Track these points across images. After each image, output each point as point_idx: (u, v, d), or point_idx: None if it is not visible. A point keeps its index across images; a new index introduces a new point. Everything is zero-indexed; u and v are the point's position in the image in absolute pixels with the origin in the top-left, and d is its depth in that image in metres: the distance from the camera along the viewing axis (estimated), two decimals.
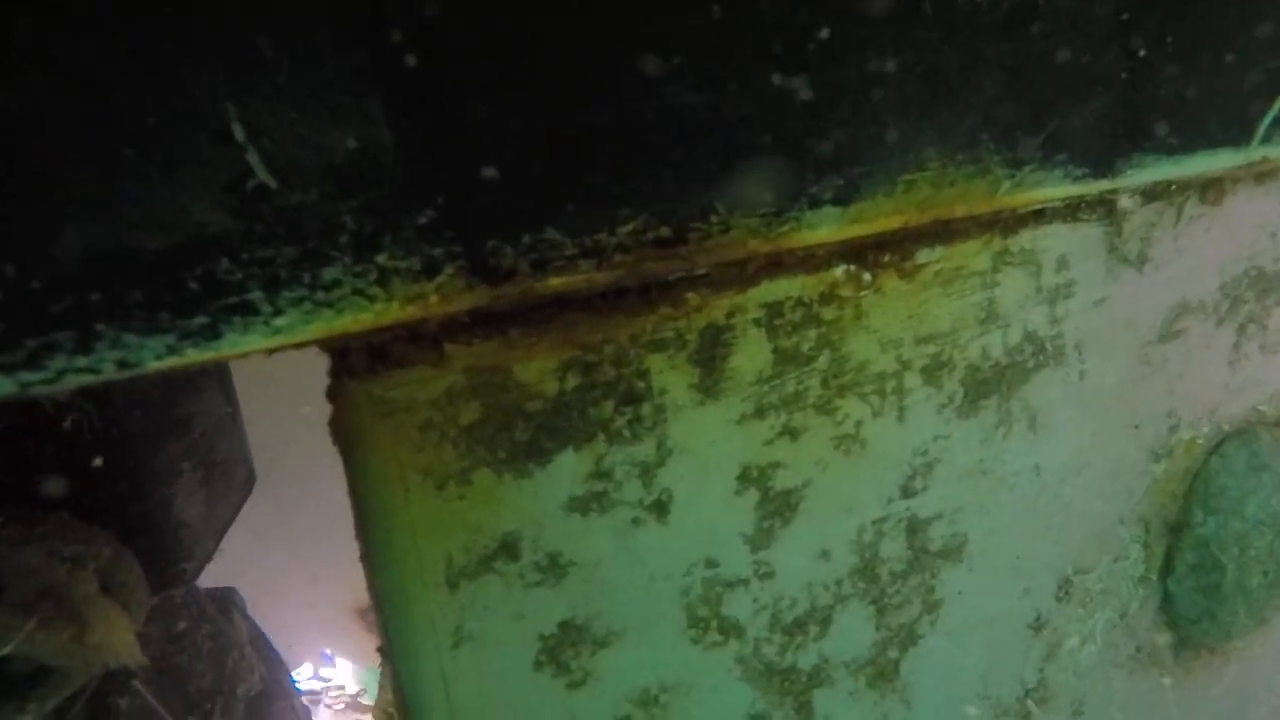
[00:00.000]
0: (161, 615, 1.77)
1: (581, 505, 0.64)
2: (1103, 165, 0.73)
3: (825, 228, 0.63)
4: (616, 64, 0.54)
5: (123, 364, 0.49)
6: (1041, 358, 0.81)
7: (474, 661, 0.63)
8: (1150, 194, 0.83)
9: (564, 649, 0.65)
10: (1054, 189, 0.72)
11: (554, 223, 0.55)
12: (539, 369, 0.61)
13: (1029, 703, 0.89)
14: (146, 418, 1.39)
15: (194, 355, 0.50)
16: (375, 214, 0.51)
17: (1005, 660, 0.86)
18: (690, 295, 0.64)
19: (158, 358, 0.50)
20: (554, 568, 0.64)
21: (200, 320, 0.50)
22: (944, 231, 0.73)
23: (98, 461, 1.29)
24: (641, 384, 0.64)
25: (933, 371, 0.75)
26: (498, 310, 0.59)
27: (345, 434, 0.58)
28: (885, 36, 0.61)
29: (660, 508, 0.66)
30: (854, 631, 0.76)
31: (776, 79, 0.58)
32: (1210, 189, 0.87)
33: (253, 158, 0.48)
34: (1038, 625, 0.87)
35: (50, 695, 0.93)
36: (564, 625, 0.65)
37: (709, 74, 0.56)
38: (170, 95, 0.46)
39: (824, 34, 0.59)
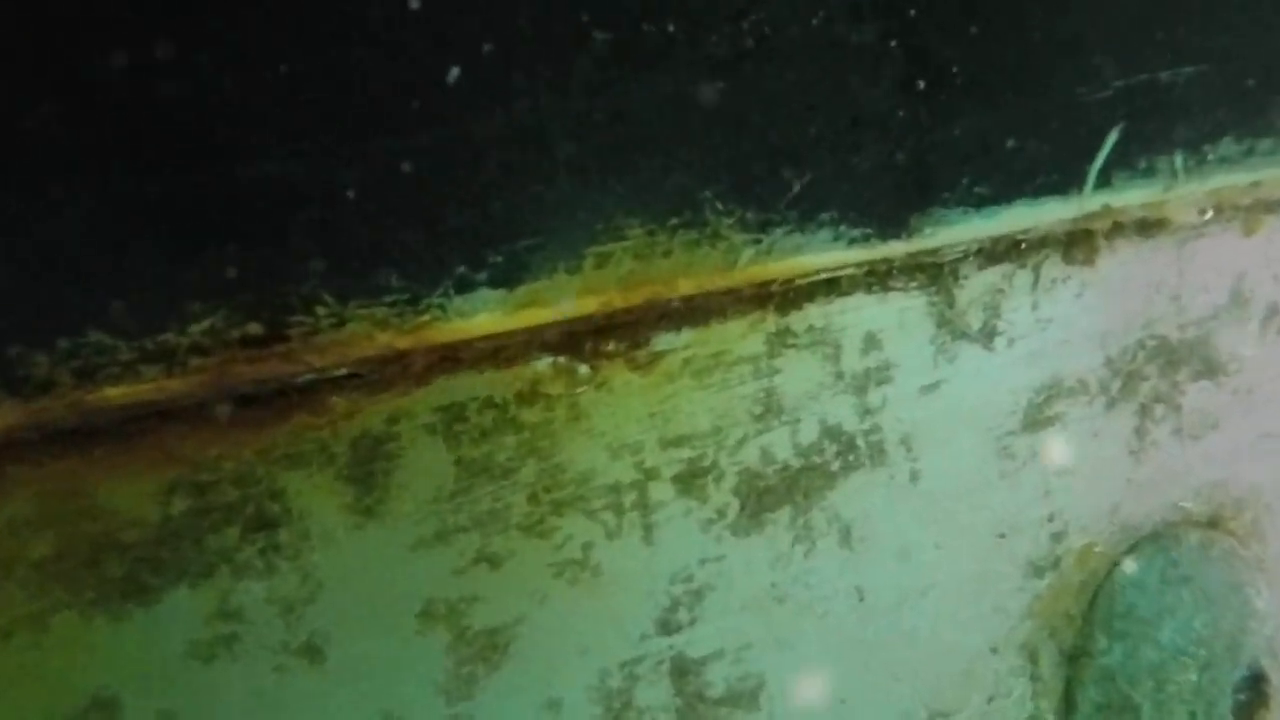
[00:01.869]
0: None
1: (205, 651, 0.53)
2: (890, 224, 0.61)
3: (485, 315, 0.52)
4: (166, 125, 0.45)
5: None
6: (852, 458, 0.67)
7: None
8: (989, 255, 0.69)
9: None
10: (821, 255, 0.59)
11: (98, 323, 0.46)
12: (133, 492, 0.51)
13: None
14: None
15: None
16: None
17: None
18: (335, 399, 0.54)
19: None
20: None
21: None
22: (690, 311, 0.61)
23: None
24: (275, 506, 0.53)
25: (690, 480, 0.62)
26: (74, 425, 0.50)
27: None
28: (538, 76, 0.50)
29: (313, 652, 0.55)
30: None
31: (384, 138, 0.48)
32: (1076, 246, 0.72)
33: None
34: None
35: None
36: None
37: (292, 136, 0.47)
38: None
39: (451, 76, 0.49)
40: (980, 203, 0.61)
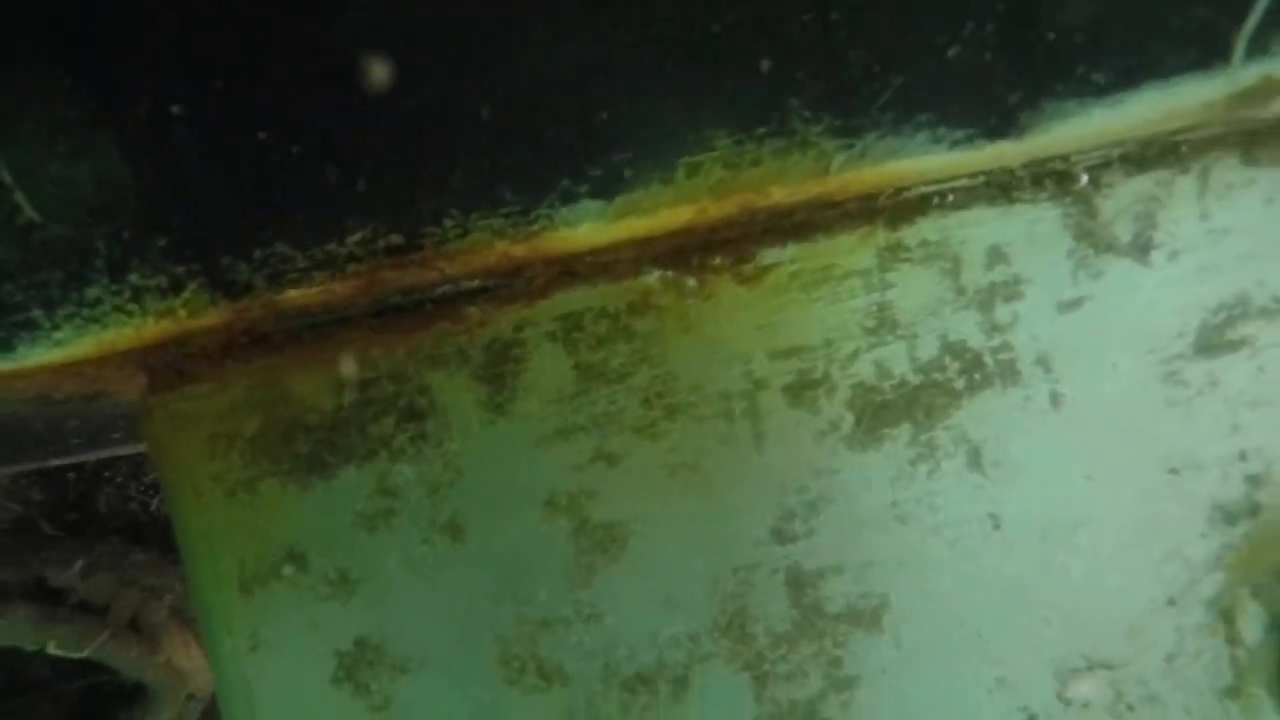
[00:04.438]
0: None
1: (368, 522, 0.64)
2: (996, 122, 0.59)
3: (588, 225, 0.59)
4: (333, 76, 0.57)
5: None
6: (978, 376, 0.65)
7: (272, 668, 0.64)
8: (1138, 160, 0.64)
9: (361, 669, 0.64)
10: (921, 159, 0.59)
11: (282, 236, 0.58)
12: (315, 384, 0.63)
13: None
14: None
15: None
16: (123, 239, 0.58)
17: None
18: (470, 310, 0.63)
19: None
20: (344, 583, 0.64)
21: None
22: (795, 226, 0.63)
23: None
24: (423, 400, 0.63)
25: (801, 391, 0.64)
26: (276, 329, 0.63)
27: (149, 443, 0.64)
28: (619, 7, 0.57)
29: (455, 530, 0.63)
30: (722, 698, 0.65)
31: (495, 68, 0.57)
32: (1260, 145, 0.65)
33: (19, 197, 0.58)
34: None
35: (143, 716, 1.10)
36: (360, 643, 0.64)
37: (421, 73, 0.57)
38: None
39: (542, 14, 0.56)
40: (1100, 91, 0.58)
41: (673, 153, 0.58)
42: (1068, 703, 0.67)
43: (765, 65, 0.57)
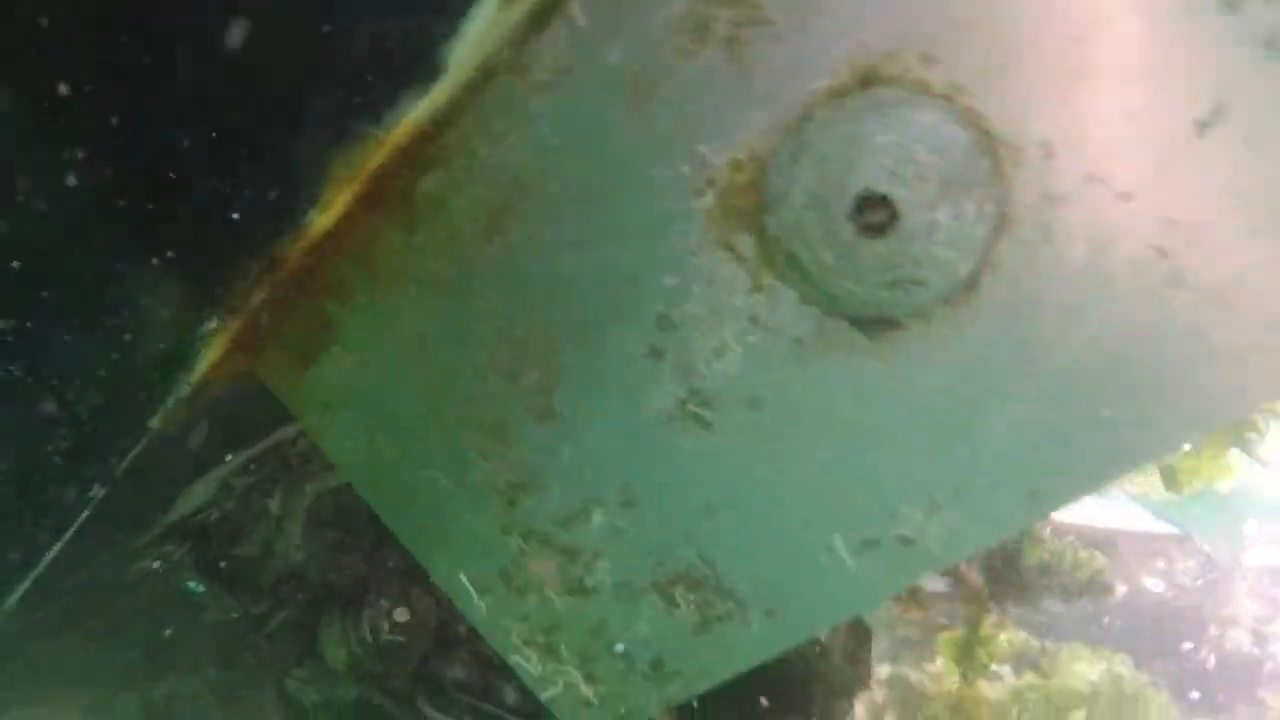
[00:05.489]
0: None
1: (360, 365, 1.37)
2: (378, 124, 1.09)
3: (320, 218, 1.22)
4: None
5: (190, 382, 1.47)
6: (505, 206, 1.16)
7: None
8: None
9: (417, 427, 1.39)
10: (393, 137, 1.12)
11: (239, 281, 1.32)
12: (305, 312, 1.37)
13: (692, 407, 1.19)
14: None
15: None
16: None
17: (644, 383, 1.20)
18: (328, 263, 1.31)
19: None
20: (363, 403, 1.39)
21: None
22: (412, 161, 1.19)
23: None
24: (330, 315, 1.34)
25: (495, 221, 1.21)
26: (274, 314, 1.38)
27: (262, 377, 1.45)
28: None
29: (422, 342, 1.34)
30: (499, 397, 1.27)
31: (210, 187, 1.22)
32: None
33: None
34: (655, 354, 1.18)
35: None
36: (406, 418, 1.39)
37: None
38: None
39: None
40: (398, 89, 1.04)
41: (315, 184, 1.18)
42: (662, 330, 1.16)
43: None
